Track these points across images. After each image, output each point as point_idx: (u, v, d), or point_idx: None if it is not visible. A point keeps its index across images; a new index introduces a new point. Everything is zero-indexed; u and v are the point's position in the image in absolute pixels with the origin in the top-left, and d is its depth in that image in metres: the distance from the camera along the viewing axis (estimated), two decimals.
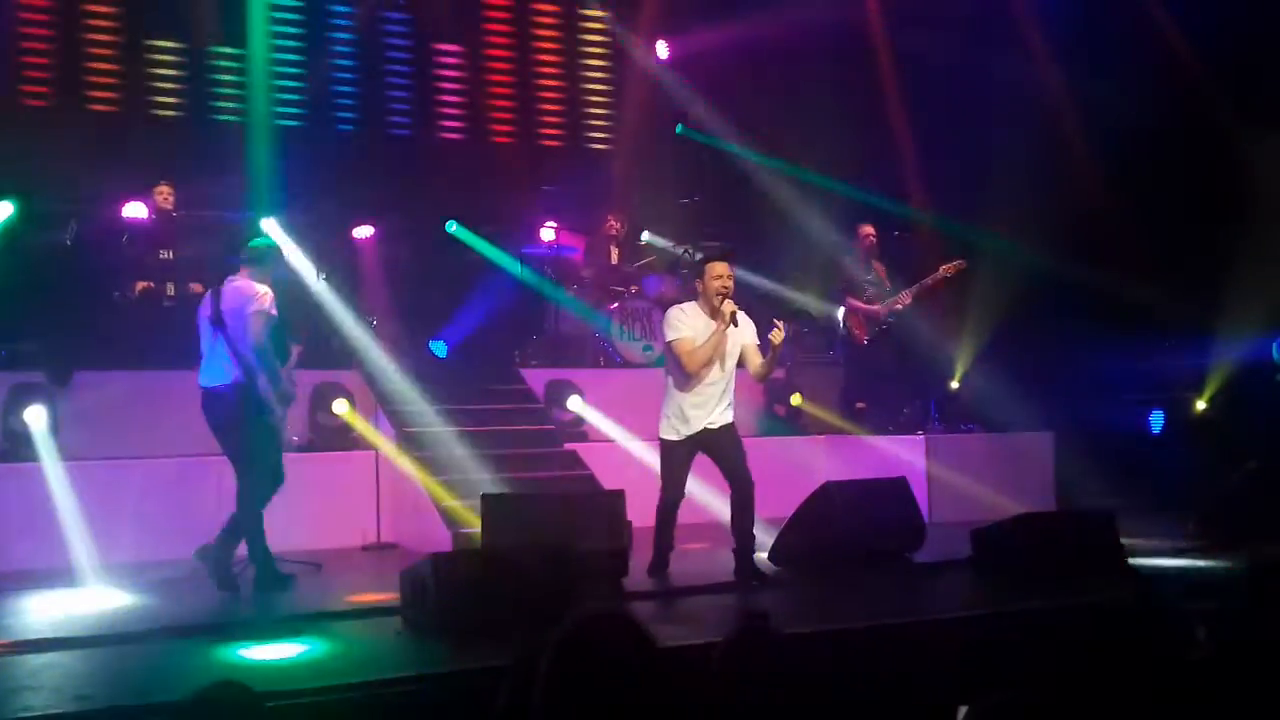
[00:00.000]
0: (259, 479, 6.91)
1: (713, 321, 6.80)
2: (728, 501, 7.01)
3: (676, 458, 6.91)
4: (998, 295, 10.97)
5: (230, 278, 6.92)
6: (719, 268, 6.81)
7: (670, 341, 6.83)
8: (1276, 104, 10.62)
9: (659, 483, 7.06)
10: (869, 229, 10.65)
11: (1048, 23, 11.57)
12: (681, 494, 6.96)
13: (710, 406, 6.84)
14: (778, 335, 6.80)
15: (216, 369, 6.81)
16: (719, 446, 6.89)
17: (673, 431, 6.89)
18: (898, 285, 10.47)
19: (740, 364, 6.97)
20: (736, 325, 6.81)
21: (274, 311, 6.78)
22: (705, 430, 6.83)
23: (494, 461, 8.69)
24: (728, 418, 6.90)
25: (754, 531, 6.85)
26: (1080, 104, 11.31)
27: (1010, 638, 5.55)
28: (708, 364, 6.76)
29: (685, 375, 6.79)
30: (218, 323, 6.69)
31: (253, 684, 3.33)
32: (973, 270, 10.48)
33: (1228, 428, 10.60)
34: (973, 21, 11.34)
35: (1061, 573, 6.57)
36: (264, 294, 6.77)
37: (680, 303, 11.15)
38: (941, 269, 10.21)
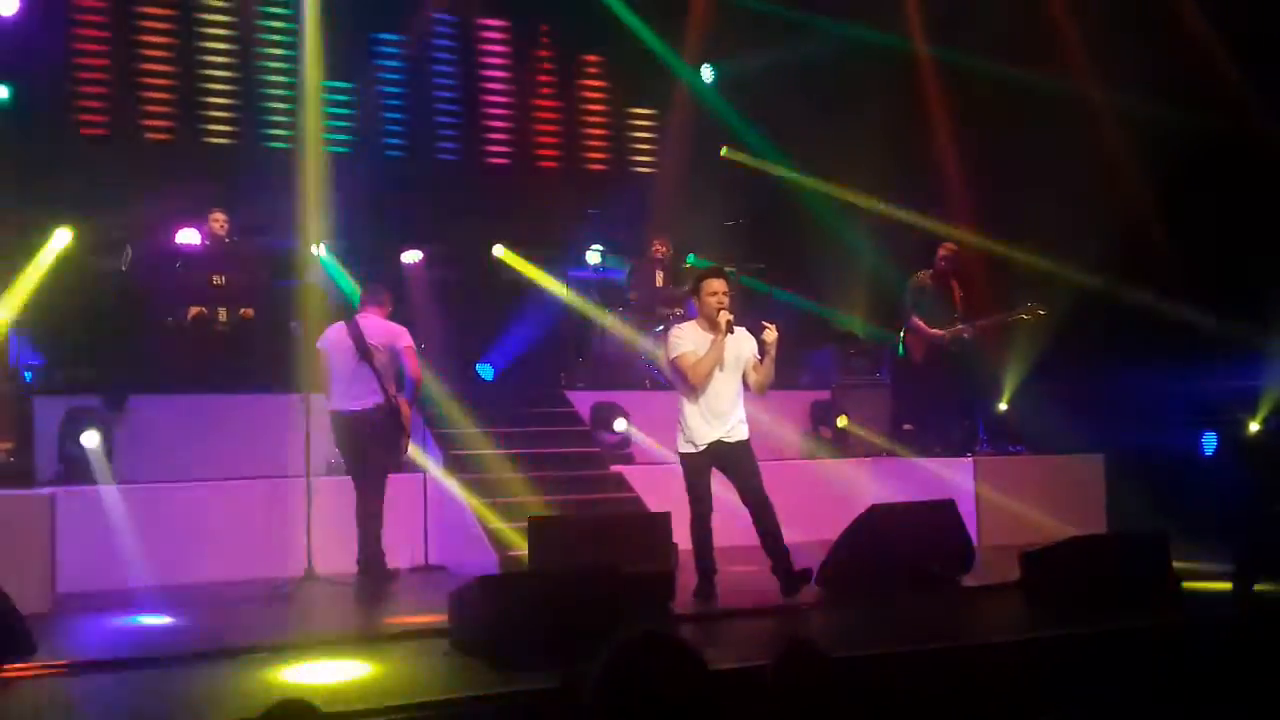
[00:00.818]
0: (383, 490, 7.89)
1: (711, 337, 6.91)
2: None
3: (696, 469, 6.95)
4: (1050, 320, 10.87)
5: (361, 315, 7.99)
6: (715, 284, 6.96)
7: (673, 359, 6.97)
8: None
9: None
10: (951, 247, 10.56)
11: (1093, 38, 11.50)
12: (710, 507, 6.97)
13: (722, 419, 6.89)
14: (770, 334, 6.89)
15: (362, 394, 7.74)
16: (733, 463, 6.95)
17: (688, 445, 6.98)
18: (969, 311, 10.39)
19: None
20: (733, 333, 6.90)
21: None
22: (720, 443, 6.89)
23: (540, 484, 8.74)
24: (742, 433, 6.97)
25: (784, 545, 6.86)
26: (1128, 121, 11.20)
27: (1061, 663, 5.49)
28: (709, 375, 6.85)
29: (691, 388, 6.93)
30: (365, 354, 7.68)
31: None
32: (1026, 293, 10.39)
33: None
34: (1017, 38, 11.29)
35: (1113, 597, 6.48)
36: (406, 332, 7.97)
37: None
38: (1024, 309, 10.16)
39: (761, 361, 7.02)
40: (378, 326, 7.94)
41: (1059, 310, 10.79)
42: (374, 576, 7.76)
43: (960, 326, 10.31)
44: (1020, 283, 10.60)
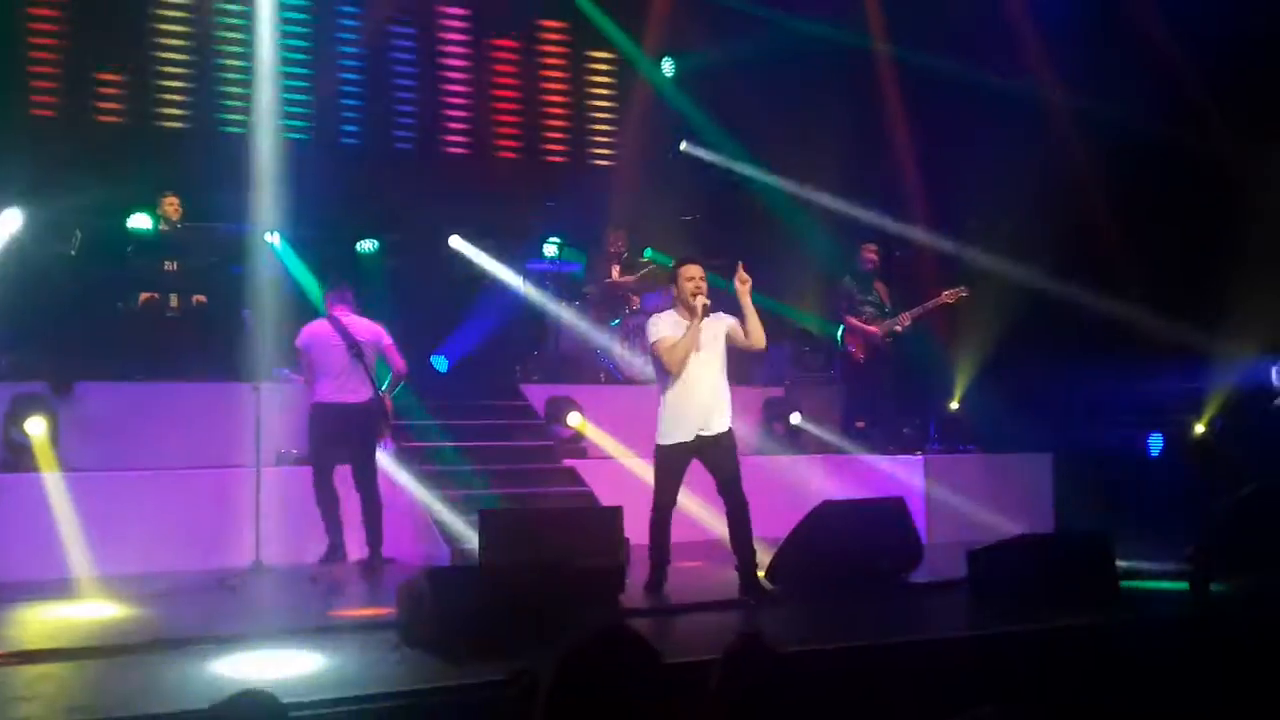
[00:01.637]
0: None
1: (688, 323, 6.93)
2: (722, 517, 7.06)
3: (670, 463, 6.96)
4: (997, 315, 10.98)
5: (339, 312, 8.20)
6: (691, 269, 6.98)
7: (652, 344, 6.98)
8: (1275, 123, 10.65)
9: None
10: (872, 248, 10.70)
11: (1048, 39, 11.62)
12: (673, 501, 6.99)
13: (703, 410, 6.88)
14: (740, 280, 6.88)
15: (356, 388, 7.98)
16: (714, 458, 6.95)
17: (666, 436, 6.97)
18: (897, 307, 10.50)
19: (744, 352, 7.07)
20: (709, 316, 6.92)
21: None
22: (701, 437, 6.88)
23: (493, 477, 8.72)
24: (725, 424, 6.96)
25: (753, 547, 6.89)
26: (1079, 122, 11.33)
27: (1005, 659, 5.56)
28: (685, 359, 6.86)
29: (669, 374, 6.92)
30: (356, 351, 7.97)
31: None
32: (972, 290, 10.50)
33: (1226, 451, 10.60)
34: (974, 38, 11.39)
35: (1057, 595, 6.57)
36: (385, 330, 8.30)
37: None
38: (943, 294, 10.25)
39: (743, 320, 6.99)
40: (362, 324, 8.21)
41: (1009, 309, 10.91)
42: (379, 566, 7.90)
43: (890, 320, 10.40)
44: (956, 274, 10.67)
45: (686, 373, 6.87)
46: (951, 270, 11.23)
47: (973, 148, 11.34)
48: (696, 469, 7.09)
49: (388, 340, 8.26)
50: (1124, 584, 7.07)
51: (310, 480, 8.02)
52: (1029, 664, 5.51)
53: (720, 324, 7.02)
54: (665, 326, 6.94)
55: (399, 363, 8.26)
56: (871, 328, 10.39)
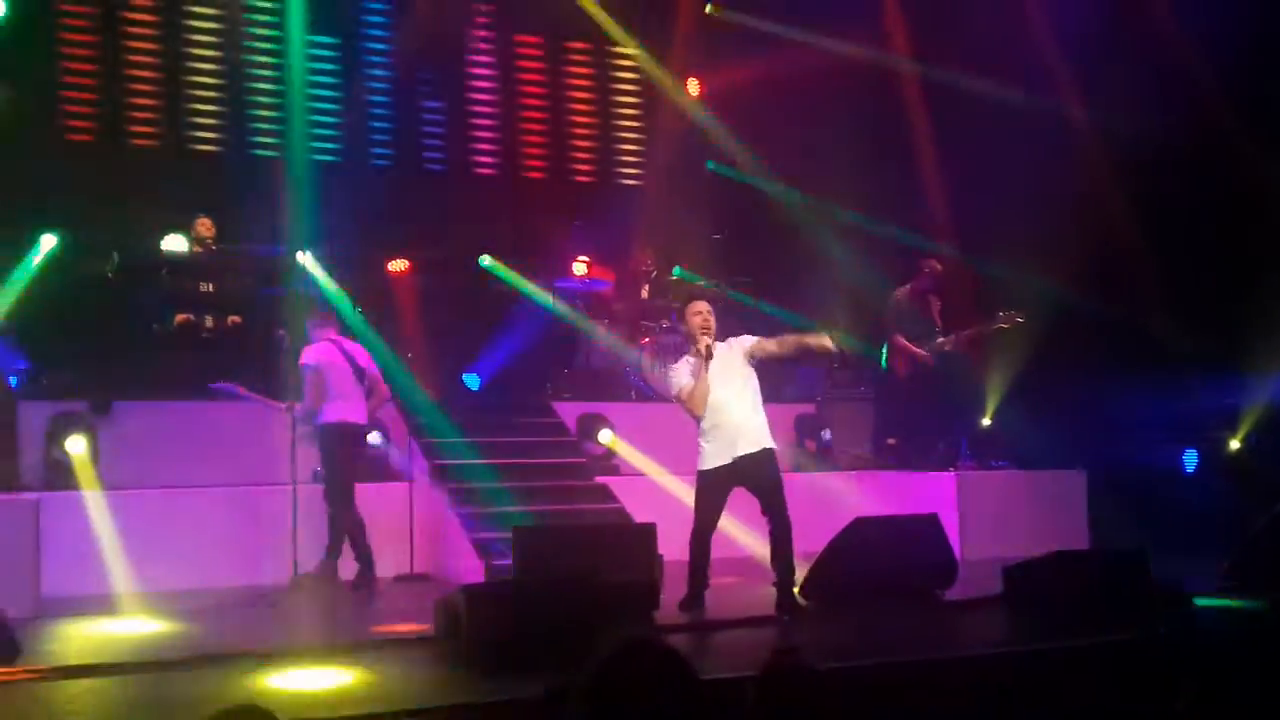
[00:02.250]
0: None
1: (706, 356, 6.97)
2: (760, 537, 7.08)
3: (710, 487, 7.00)
4: (1032, 333, 10.94)
5: (333, 335, 8.43)
6: (698, 305, 7.06)
7: (675, 397, 7.08)
8: None
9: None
10: (934, 263, 10.60)
11: (1069, 52, 11.60)
12: (713, 525, 7.02)
13: (736, 430, 6.92)
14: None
15: (359, 410, 8.29)
16: (756, 478, 6.97)
17: (705, 461, 7.03)
18: (950, 326, 10.45)
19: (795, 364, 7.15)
20: (712, 356, 6.94)
21: None
22: (740, 459, 6.90)
23: (525, 494, 8.75)
24: (764, 442, 6.99)
25: (793, 565, 6.93)
26: (1106, 137, 11.28)
27: (1041, 676, 5.54)
28: (704, 399, 6.92)
29: (697, 416, 7.01)
30: (360, 374, 8.29)
31: (280, 711, 3.35)
32: (1003, 303, 10.47)
33: (1262, 467, 10.52)
34: (997, 53, 11.39)
35: (1093, 611, 6.54)
36: None
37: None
38: (1000, 318, 10.21)
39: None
40: (357, 349, 8.49)
41: (1042, 325, 10.85)
42: (372, 580, 7.99)
43: (941, 341, 10.37)
44: (999, 294, 10.65)
45: (713, 402, 6.92)
46: (994, 290, 11.21)
47: (999, 163, 11.33)
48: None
49: (376, 366, 8.55)
50: (1162, 601, 7.01)
51: (332, 500, 8.06)
52: (1066, 681, 5.49)
53: (735, 349, 7.06)
54: (682, 375, 7.03)
55: (384, 388, 8.56)
56: (920, 351, 10.32)
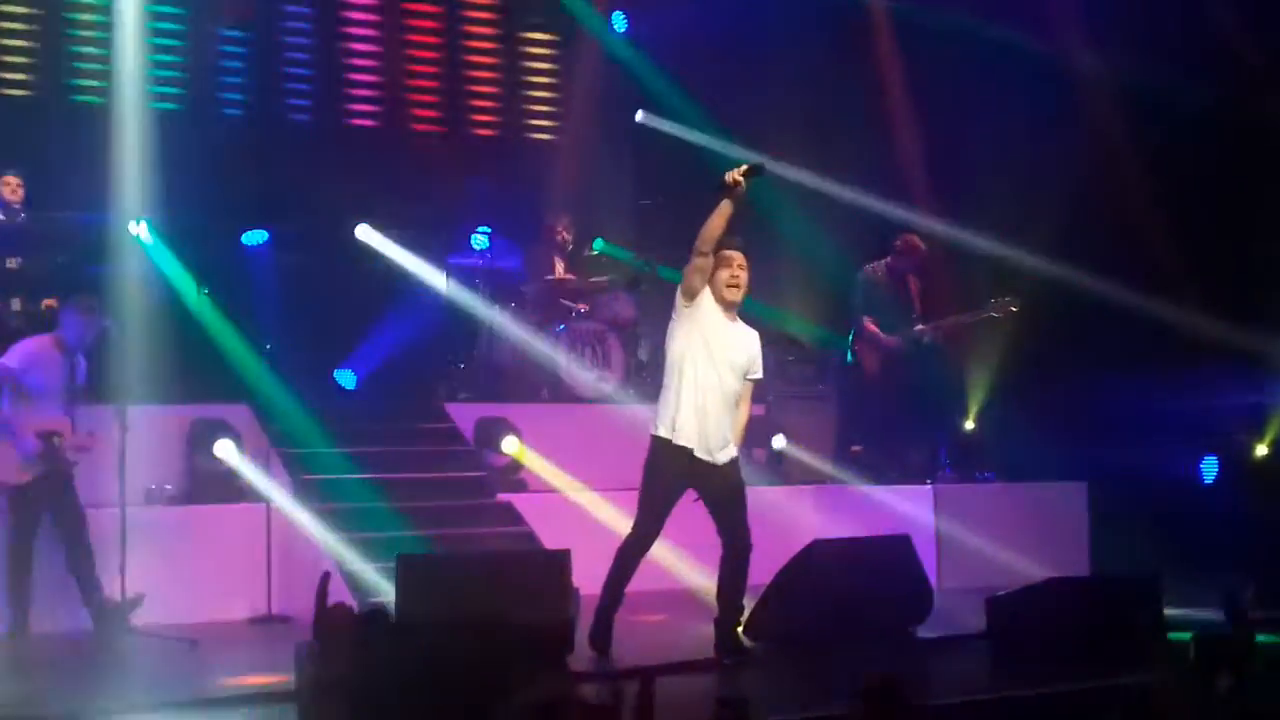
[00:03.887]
0: None
1: (727, 318, 6.95)
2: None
3: (669, 468, 6.88)
4: (1022, 323, 11.05)
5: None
6: (733, 256, 6.96)
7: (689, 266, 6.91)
8: None
9: (629, 523, 7.10)
10: (911, 238, 10.69)
11: None
12: (658, 528, 6.97)
13: (711, 423, 6.88)
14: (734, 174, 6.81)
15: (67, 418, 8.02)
16: (718, 489, 6.95)
17: (675, 431, 6.87)
18: (930, 313, 10.57)
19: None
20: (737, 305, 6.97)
21: None
22: (701, 461, 6.88)
23: (412, 516, 8.72)
24: (731, 454, 6.99)
25: (743, 599, 6.96)
26: (1121, 96, 11.41)
27: None
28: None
29: (687, 341, 6.88)
30: (74, 377, 8.12)
31: None
32: (995, 288, 10.57)
33: None
34: None
35: (1094, 649, 6.62)
36: None
37: (639, 323, 11.26)
38: (991, 305, 10.34)
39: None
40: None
41: (1035, 312, 10.97)
42: (113, 624, 7.74)
43: (919, 329, 10.45)
44: (982, 273, 10.75)
45: (701, 377, 6.86)
46: (976, 269, 11.31)
47: (988, 118, 11.43)
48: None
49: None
50: (1175, 635, 7.11)
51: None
52: None
53: (748, 346, 7.06)
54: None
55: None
56: (891, 339, 10.44)
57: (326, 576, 5.49)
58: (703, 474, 6.92)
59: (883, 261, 10.70)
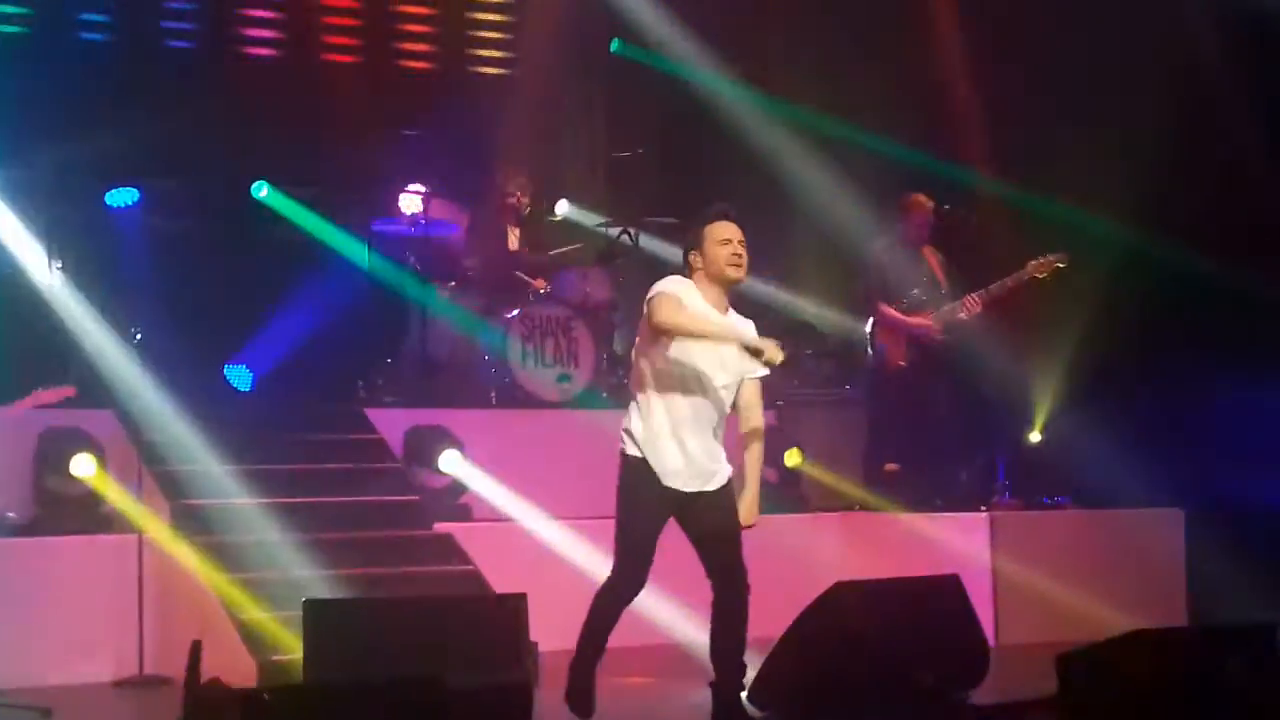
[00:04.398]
0: None
1: (718, 302, 6.97)
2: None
3: (651, 496, 6.89)
4: (1103, 307, 11.10)
5: None
6: (725, 229, 6.98)
7: (651, 299, 6.87)
8: None
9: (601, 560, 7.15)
10: (922, 200, 10.80)
11: None
12: (642, 573, 6.95)
13: (699, 448, 6.92)
14: (772, 351, 6.87)
15: None
16: (705, 521, 6.95)
17: (635, 448, 6.91)
18: (958, 286, 10.64)
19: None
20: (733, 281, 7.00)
21: None
22: (686, 493, 6.89)
23: (324, 552, 8.72)
24: (723, 478, 7.01)
25: (744, 656, 6.94)
26: (1228, 28, 11.44)
27: None
28: (688, 337, 6.81)
29: (654, 342, 6.88)
30: None
31: None
32: (1072, 270, 10.62)
33: None
34: None
35: (1191, 715, 6.65)
36: None
37: (616, 307, 11.32)
38: (1030, 266, 10.43)
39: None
40: None
41: (1119, 296, 11.01)
42: None
43: (951, 307, 10.53)
44: (1040, 242, 10.77)
45: (688, 388, 6.89)
46: (1032, 233, 11.35)
47: (1059, 48, 11.47)
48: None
49: None
50: None
51: None
52: None
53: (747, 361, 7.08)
54: (687, 292, 6.93)
55: None
56: (918, 320, 10.51)
57: (197, 646, 5.44)
58: (685, 504, 6.95)
59: (894, 235, 10.83)
